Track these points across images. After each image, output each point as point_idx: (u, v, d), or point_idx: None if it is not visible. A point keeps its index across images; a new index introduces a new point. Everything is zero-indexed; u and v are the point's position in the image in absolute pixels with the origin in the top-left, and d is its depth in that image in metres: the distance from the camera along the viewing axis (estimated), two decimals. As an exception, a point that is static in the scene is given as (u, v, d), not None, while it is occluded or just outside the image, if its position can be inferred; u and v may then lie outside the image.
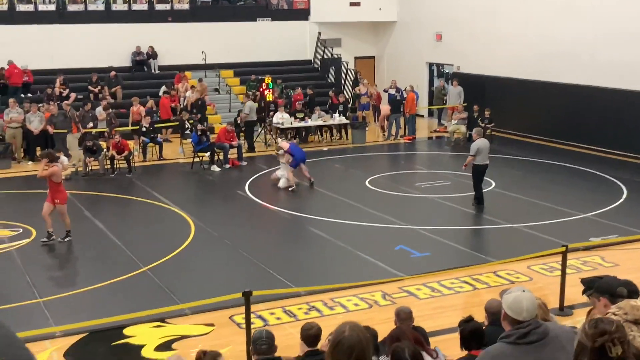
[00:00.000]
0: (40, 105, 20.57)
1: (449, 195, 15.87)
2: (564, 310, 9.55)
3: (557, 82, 21.37)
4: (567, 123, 21.18)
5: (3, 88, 22.55)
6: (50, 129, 19.60)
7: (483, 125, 22.20)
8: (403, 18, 28.17)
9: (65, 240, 12.61)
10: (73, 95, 22.51)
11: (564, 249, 9.70)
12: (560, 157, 19.86)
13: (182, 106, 23.14)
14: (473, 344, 5.33)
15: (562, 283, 9.64)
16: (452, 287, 10.64)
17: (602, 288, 4.50)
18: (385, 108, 23.48)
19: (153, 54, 25.42)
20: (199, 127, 19.44)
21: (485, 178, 17.25)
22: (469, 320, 5.51)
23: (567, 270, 9.83)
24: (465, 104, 23.32)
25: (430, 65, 27.71)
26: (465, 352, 5.39)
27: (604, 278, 4.92)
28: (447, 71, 26.90)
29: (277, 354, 5.57)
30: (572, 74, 20.88)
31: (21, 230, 13.49)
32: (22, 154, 20.05)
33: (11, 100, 20.45)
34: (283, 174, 16.68)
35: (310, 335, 5.40)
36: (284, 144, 17.11)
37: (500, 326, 5.41)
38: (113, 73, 23.79)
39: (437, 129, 24.77)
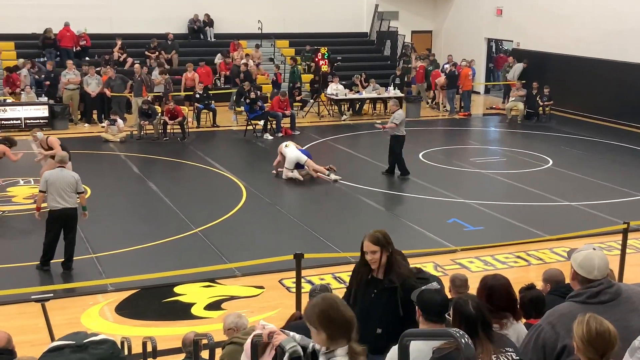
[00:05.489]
0: (97, 68, 20.80)
1: (504, 171, 15.53)
2: (622, 289, 9.24)
3: (622, 61, 20.63)
4: (631, 103, 20.44)
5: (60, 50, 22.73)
6: (108, 92, 19.80)
7: (542, 103, 21.71)
8: (463, -8, 27.57)
9: None
10: (130, 60, 22.67)
11: (625, 226, 9.38)
12: (622, 138, 19.24)
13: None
14: (532, 312, 5.13)
15: (622, 262, 9.33)
16: (506, 261, 10.41)
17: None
18: (440, 81, 23.11)
19: (209, 22, 25.42)
20: (252, 95, 19.37)
21: (542, 155, 16.98)
22: (530, 287, 5.29)
23: (627, 250, 9.52)
24: (524, 81, 22.77)
25: (489, 41, 27.10)
26: (523, 321, 5.19)
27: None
28: (505, 47, 26.26)
29: None
30: (638, 53, 20.13)
31: (76, 188, 13.67)
32: (79, 116, 20.31)
33: (69, 61, 20.68)
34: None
35: None
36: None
37: (559, 295, 5.22)
38: (170, 36, 23.88)
39: (494, 106, 24.25)
